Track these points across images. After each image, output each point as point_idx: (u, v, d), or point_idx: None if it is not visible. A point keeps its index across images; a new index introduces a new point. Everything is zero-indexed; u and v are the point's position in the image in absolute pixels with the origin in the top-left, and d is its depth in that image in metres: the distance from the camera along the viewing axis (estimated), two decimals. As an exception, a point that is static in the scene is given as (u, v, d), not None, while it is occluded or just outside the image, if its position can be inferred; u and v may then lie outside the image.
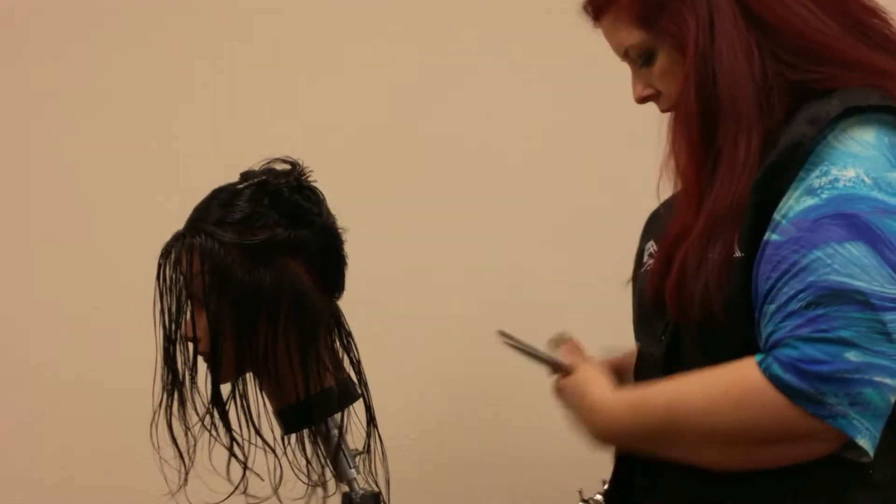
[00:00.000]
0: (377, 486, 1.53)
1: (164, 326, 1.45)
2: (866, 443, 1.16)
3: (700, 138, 1.30)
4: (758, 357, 1.18)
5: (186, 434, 1.47)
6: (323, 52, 2.14)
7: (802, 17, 1.30)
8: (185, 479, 1.47)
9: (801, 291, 1.16)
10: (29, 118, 2.09)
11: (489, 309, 2.09)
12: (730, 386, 1.20)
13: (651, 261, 1.44)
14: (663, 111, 1.40)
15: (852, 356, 1.13)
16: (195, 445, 1.47)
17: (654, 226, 1.52)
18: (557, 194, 2.18)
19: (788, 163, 1.22)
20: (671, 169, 1.40)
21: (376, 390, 1.58)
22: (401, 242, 2.09)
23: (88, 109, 2.09)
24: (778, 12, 1.29)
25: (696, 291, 1.26)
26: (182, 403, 1.47)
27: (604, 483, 1.52)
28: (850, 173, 1.20)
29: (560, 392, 1.42)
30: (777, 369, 1.15)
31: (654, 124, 1.43)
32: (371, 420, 1.56)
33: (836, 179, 1.20)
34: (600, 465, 1.52)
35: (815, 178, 1.21)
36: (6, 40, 2.11)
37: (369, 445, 1.55)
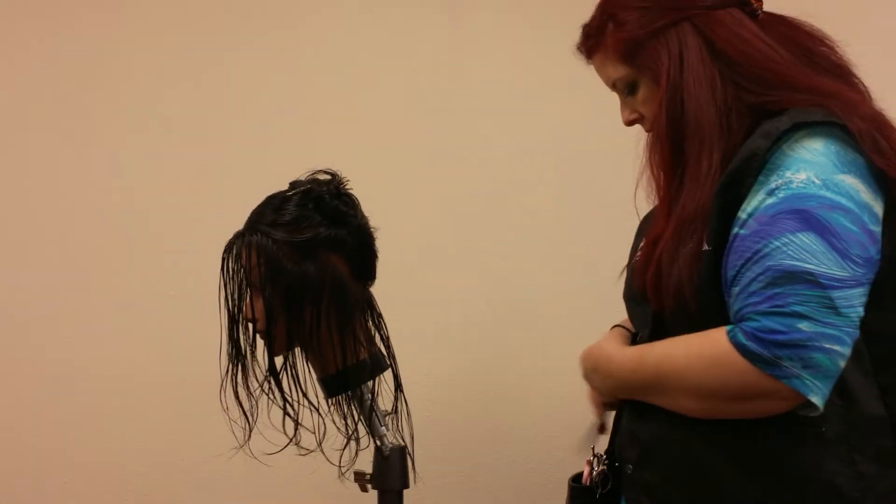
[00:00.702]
0: (403, 440, 1.58)
1: (228, 309, 1.52)
2: (818, 399, 1.22)
3: (670, 154, 1.37)
4: (727, 327, 1.26)
5: (248, 398, 1.53)
6: (358, 85, 2.17)
7: (759, 49, 1.38)
8: (250, 435, 1.53)
9: (760, 274, 1.24)
10: (105, 137, 2.14)
11: (498, 296, 2.13)
12: (703, 350, 1.28)
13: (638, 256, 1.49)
14: (647, 132, 1.47)
15: (804, 327, 1.20)
16: (255, 407, 1.54)
17: (646, 226, 1.56)
18: (568, 195, 2.20)
19: (747, 170, 1.29)
20: (647, 180, 1.45)
21: (402, 362, 1.63)
22: (424, 238, 2.12)
23: (160, 127, 2.15)
24: (738, 47, 1.38)
25: (670, 284, 1.33)
26: (244, 373, 1.53)
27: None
28: (802, 176, 1.27)
29: (585, 357, 1.50)
30: (741, 337, 1.23)
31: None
32: (398, 386, 1.61)
33: (791, 181, 1.27)
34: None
35: (773, 181, 1.28)
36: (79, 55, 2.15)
37: (396, 407, 1.60)
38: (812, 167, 1.29)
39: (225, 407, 1.52)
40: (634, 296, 1.47)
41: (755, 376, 1.23)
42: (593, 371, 1.47)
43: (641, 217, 1.62)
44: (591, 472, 1.54)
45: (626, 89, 1.46)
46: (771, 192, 1.28)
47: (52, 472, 2.08)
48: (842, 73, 1.42)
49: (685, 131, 1.37)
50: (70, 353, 2.09)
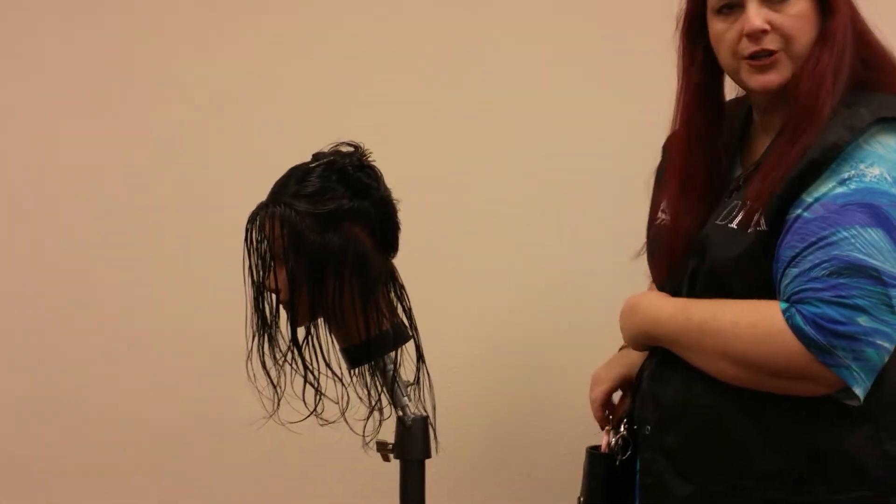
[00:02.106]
0: (425, 410, 1.57)
1: (252, 280, 1.51)
2: (860, 391, 1.24)
3: (832, 89, 1.32)
4: (782, 305, 1.26)
5: (275, 367, 1.52)
6: (384, 63, 2.15)
7: (870, 32, 1.38)
8: (278, 405, 1.52)
9: (825, 261, 1.23)
10: (135, 106, 2.15)
11: (521, 271, 2.11)
12: (756, 322, 1.28)
13: (665, 217, 1.49)
14: (761, 49, 1.35)
15: (863, 321, 1.22)
16: (280, 377, 1.53)
17: (663, 183, 1.55)
18: (593, 180, 2.14)
19: (824, 160, 1.28)
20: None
21: (424, 333, 1.62)
22: (446, 211, 2.10)
23: (189, 98, 2.15)
24: (864, 26, 1.38)
25: (735, 253, 1.32)
26: (271, 343, 1.52)
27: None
28: (876, 171, 1.27)
29: (625, 304, 1.49)
30: (799, 320, 1.23)
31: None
32: (420, 357, 1.59)
33: (864, 175, 1.27)
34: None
35: (845, 171, 1.27)
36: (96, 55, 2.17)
37: (418, 378, 1.59)
38: (885, 163, 1.28)
39: (252, 377, 1.51)
40: (665, 252, 1.47)
41: (806, 360, 1.24)
42: (630, 312, 1.47)
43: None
44: (609, 440, 1.54)
45: None
46: (843, 182, 1.27)
47: (95, 432, 2.16)
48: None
49: (842, 71, 1.33)
50: (111, 320, 2.16)
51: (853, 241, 1.24)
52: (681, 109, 1.49)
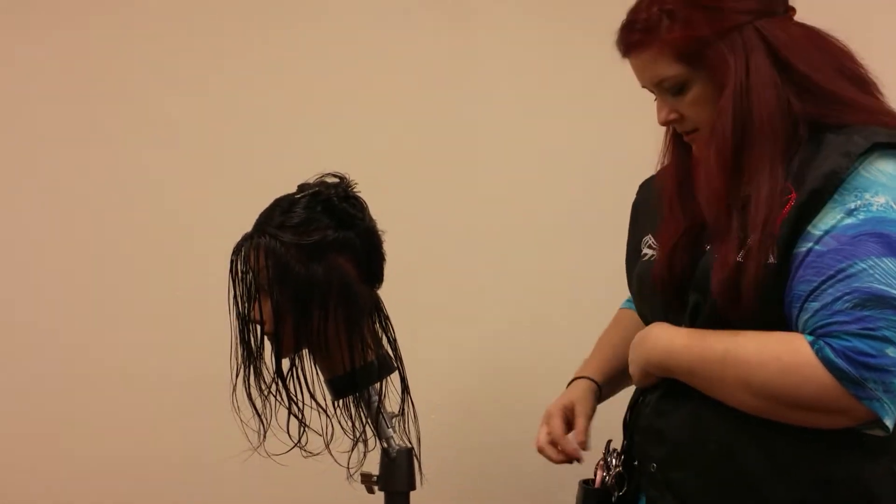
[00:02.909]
0: (410, 442, 1.57)
1: (237, 311, 1.50)
2: (890, 422, 1.22)
3: (732, 158, 1.32)
4: (808, 338, 1.23)
5: (261, 399, 1.51)
6: (367, 90, 2.15)
7: (814, 63, 1.33)
8: (264, 436, 1.51)
9: (847, 294, 1.21)
10: (119, 143, 2.14)
11: (505, 301, 2.11)
12: (782, 354, 1.25)
13: (651, 252, 1.48)
14: (683, 131, 1.41)
15: (891, 352, 1.20)
16: (268, 409, 1.52)
17: (644, 220, 1.55)
18: (577, 199, 2.17)
19: (826, 188, 1.26)
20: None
21: (409, 364, 1.61)
22: (429, 242, 2.10)
23: (171, 132, 2.14)
24: (799, 55, 1.33)
25: (748, 289, 1.27)
26: (256, 375, 1.51)
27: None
28: (881, 199, 1.25)
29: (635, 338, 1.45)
30: (829, 353, 1.20)
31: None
32: (405, 388, 1.59)
33: (870, 204, 1.25)
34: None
35: (851, 202, 1.25)
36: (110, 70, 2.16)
37: (403, 409, 1.58)
38: (889, 191, 1.27)
39: (236, 408, 1.50)
40: (658, 289, 1.43)
41: (836, 392, 1.22)
42: (639, 343, 1.43)
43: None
44: (605, 475, 1.51)
45: (674, 89, 1.38)
46: (850, 213, 1.26)
47: (66, 469, 2.11)
48: (869, 88, 1.39)
49: (752, 137, 1.32)
50: (87, 355, 2.11)
51: (871, 272, 1.22)
52: (668, 146, 1.49)
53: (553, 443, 1.54)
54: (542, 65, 2.19)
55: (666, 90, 1.38)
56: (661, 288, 1.42)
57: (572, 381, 1.64)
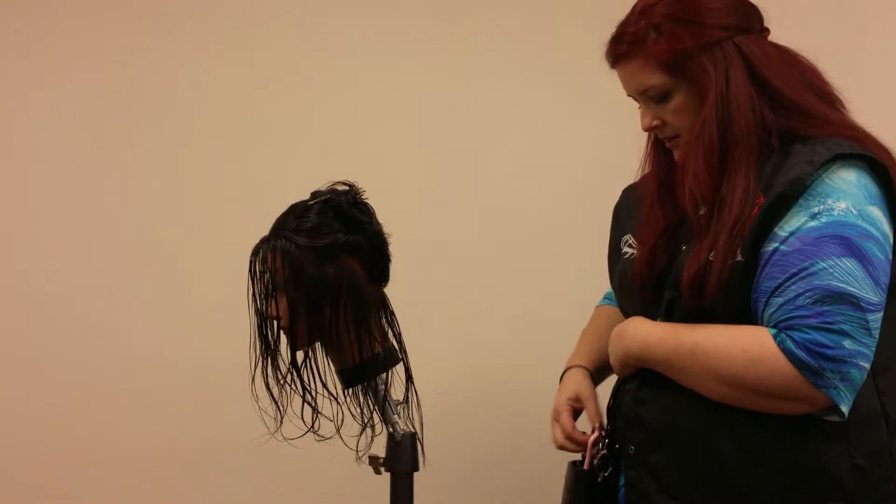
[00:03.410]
0: (413, 427, 1.58)
1: (255, 308, 1.52)
2: (845, 408, 1.27)
3: (717, 162, 1.36)
4: (772, 331, 1.28)
5: (278, 388, 1.52)
6: (373, 107, 2.20)
7: (785, 75, 1.38)
8: (281, 422, 1.52)
9: (808, 290, 1.26)
10: (139, 161, 2.19)
11: (503, 296, 2.13)
12: (749, 347, 1.28)
13: (631, 251, 1.51)
14: (665, 137, 1.45)
15: (847, 344, 1.24)
16: (285, 396, 1.53)
17: (625, 221, 1.58)
18: (567, 204, 2.19)
19: (792, 193, 1.30)
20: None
21: (413, 356, 1.63)
22: (431, 244, 2.14)
23: (200, 146, 2.20)
24: (772, 71, 1.37)
25: (713, 284, 1.32)
26: (274, 365, 1.53)
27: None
28: (842, 205, 1.29)
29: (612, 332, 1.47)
30: (790, 345, 1.25)
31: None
32: (409, 378, 1.60)
33: (832, 209, 1.29)
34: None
35: (814, 206, 1.29)
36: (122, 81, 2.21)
37: (407, 397, 1.59)
38: (849, 197, 1.30)
39: (255, 396, 1.52)
40: (636, 286, 1.46)
41: (798, 381, 1.26)
42: (618, 337, 1.45)
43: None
44: (591, 457, 1.53)
45: (658, 97, 1.41)
46: (814, 216, 1.29)
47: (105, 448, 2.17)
48: (834, 104, 1.43)
49: (732, 143, 1.35)
50: (132, 347, 2.18)
51: (831, 270, 1.26)
52: (650, 152, 1.52)
53: (569, 438, 1.55)
54: (535, 77, 2.21)
55: (650, 98, 1.42)
56: (640, 284, 1.45)
57: (565, 371, 1.65)
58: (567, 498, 1.55)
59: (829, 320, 1.24)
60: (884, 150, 1.37)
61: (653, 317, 1.44)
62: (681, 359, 1.35)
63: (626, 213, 1.59)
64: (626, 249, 1.54)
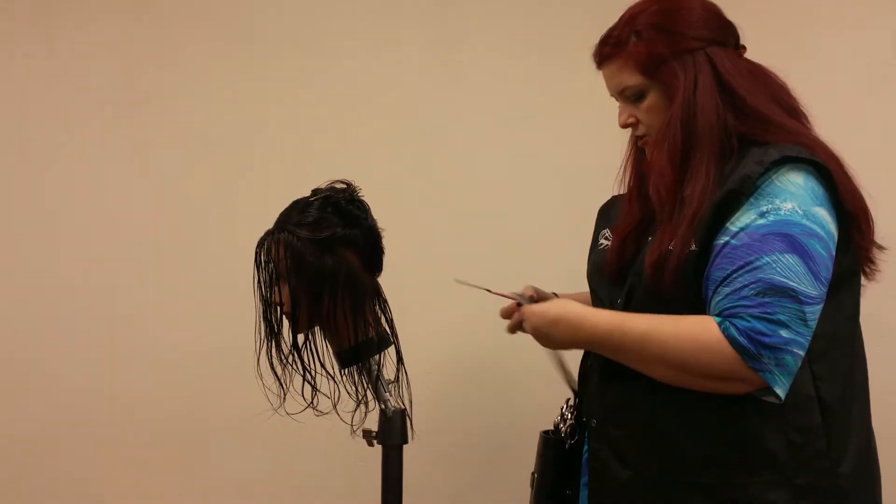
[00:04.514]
0: (403, 404, 1.60)
1: (261, 294, 1.55)
2: (781, 391, 1.29)
3: (679, 159, 1.39)
4: (717, 319, 1.30)
5: (281, 368, 1.55)
6: (369, 111, 2.19)
7: (750, 87, 1.41)
8: (284, 398, 1.54)
9: (753, 283, 1.28)
10: (152, 165, 2.17)
11: (480, 292, 2.12)
12: (696, 334, 1.30)
13: (607, 242, 1.54)
14: (637, 136, 1.48)
15: (784, 333, 1.26)
16: (287, 375, 1.55)
17: (606, 217, 1.62)
18: (554, 204, 2.18)
19: (742, 190, 1.33)
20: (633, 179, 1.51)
21: (404, 339, 1.65)
22: (422, 238, 2.13)
23: (214, 149, 2.18)
24: (738, 82, 1.40)
25: (670, 271, 1.35)
26: (277, 347, 1.55)
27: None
28: (789, 205, 1.32)
29: (530, 318, 1.44)
30: (733, 332, 1.27)
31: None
32: (400, 360, 1.62)
33: (779, 209, 1.31)
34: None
35: (763, 205, 1.32)
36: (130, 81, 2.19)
37: (398, 377, 1.61)
38: (795, 198, 1.33)
39: (259, 375, 1.53)
40: (605, 273, 1.50)
41: (738, 365, 1.28)
42: (553, 324, 1.42)
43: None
44: (561, 426, 1.56)
45: (634, 97, 1.45)
46: (762, 215, 1.32)
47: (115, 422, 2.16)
48: (798, 116, 1.46)
49: (695, 142, 1.39)
50: (147, 332, 2.17)
51: (774, 265, 1.28)
52: (630, 152, 1.55)
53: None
54: (517, 87, 2.20)
55: (627, 98, 1.45)
56: (609, 270, 1.48)
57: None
58: (539, 464, 1.57)
59: (768, 311, 1.27)
60: (831, 157, 1.39)
61: (615, 299, 1.47)
62: (629, 348, 1.37)
63: (608, 213, 1.63)
64: (602, 241, 1.58)
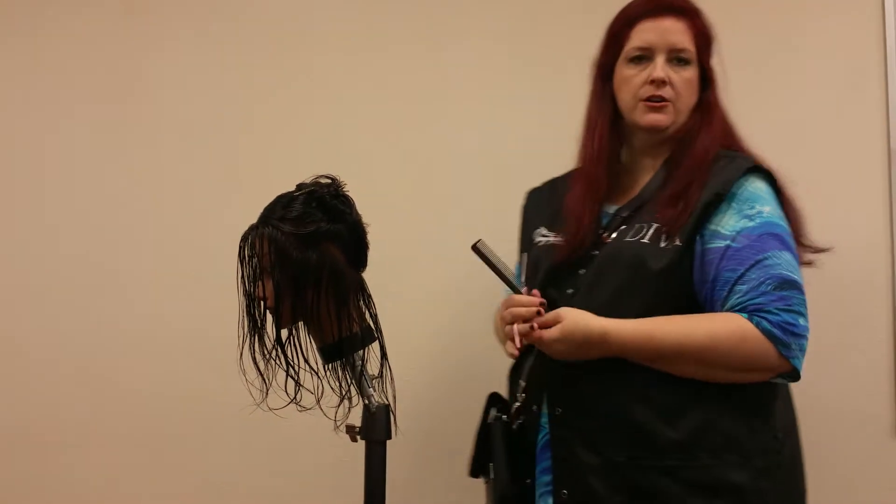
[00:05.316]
0: (387, 399, 1.58)
1: (245, 288, 1.52)
2: (800, 372, 1.41)
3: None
4: (744, 315, 1.38)
5: (265, 363, 1.52)
6: (355, 108, 2.19)
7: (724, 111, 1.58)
8: (266, 393, 1.52)
9: (767, 279, 1.38)
10: (139, 158, 2.19)
11: (464, 286, 2.11)
12: (731, 332, 1.38)
13: (548, 239, 1.58)
14: (661, 95, 1.50)
15: (802, 321, 1.39)
16: (271, 370, 1.52)
17: (536, 217, 1.66)
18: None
19: (723, 194, 1.44)
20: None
21: (388, 335, 1.63)
22: (406, 233, 2.13)
23: (197, 143, 2.19)
24: (720, 105, 1.55)
25: (656, 266, 1.42)
26: (260, 342, 1.53)
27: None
28: (767, 209, 1.44)
29: (560, 338, 1.41)
30: (767, 325, 1.37)
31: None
32: (384, 355, 1.61)
33: (761, 212, 1.43)
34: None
35: (747, 209, 1.43)
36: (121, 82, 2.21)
37: (382, 372, 1.60)
38: (768, 203, 1.46)
39: (243, 370, 1.52)
40: (562, 263, 1.53)
41: (773, 354, 1.38)
42: (582, 338, 1.42)
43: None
44: (514, 410, 1.58)
45: (683, 61, 1.51)
46: (749, 218, 1.43)
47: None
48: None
49: (721, 129, 1.54)
50: (138, 324, 2.20)
51: (778, 262, 1.39)
52: (597, 133, 1.56)
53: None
54: (506, 83, 2.20)
55: (673, 59, 1.50)
56: (561, 260, 1.51)
57: None
58: (497, 453, 1.57)
59: (789, 303, 1.38)
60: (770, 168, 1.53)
61: (562, 289, 1.52)
62: (666, 357, 1.41)
63: (536, 210, 1.67)
64: (539, 239, 1.61)
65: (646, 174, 1.56)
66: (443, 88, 2.21)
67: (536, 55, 2.16)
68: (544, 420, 1.54)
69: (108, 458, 2.16)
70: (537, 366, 1.56)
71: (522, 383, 1.58)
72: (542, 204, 1.66)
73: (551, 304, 1.51)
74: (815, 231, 2.01)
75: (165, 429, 2.16)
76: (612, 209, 1.56)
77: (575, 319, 1.43)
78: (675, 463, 1.41)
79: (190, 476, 2.16)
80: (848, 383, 2.05)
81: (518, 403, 1.56)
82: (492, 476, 1.56)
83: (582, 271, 1.51)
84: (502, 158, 2.15)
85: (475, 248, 1.44)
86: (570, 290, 1.51)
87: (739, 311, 1.38)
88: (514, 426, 1.56)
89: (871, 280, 2.03)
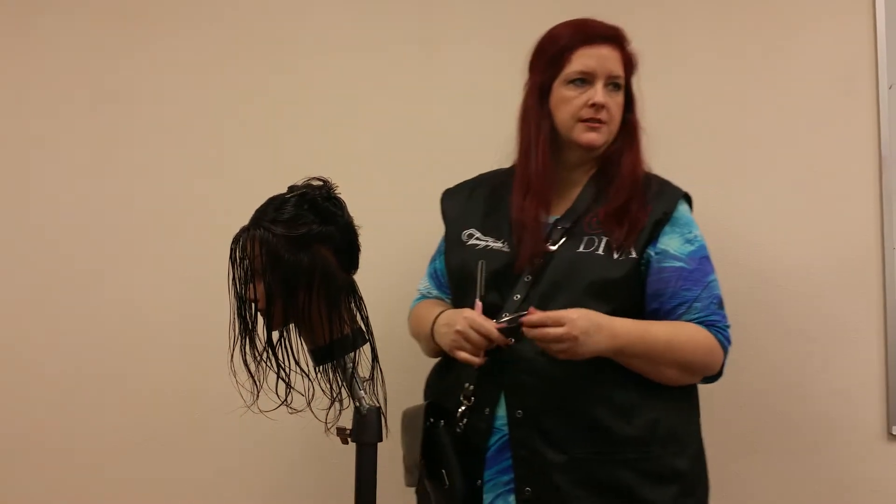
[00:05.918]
0: (378, 402, 1.58)
1: (236, 290, 1.51)
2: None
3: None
4: (710, 330, 1.57)
5: (256, 365, 1.51)
6: (347, 110, 2.18)
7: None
8: (258, 395, 1.51)
9: (713, 300, 1.59)
10: (131, 159, 2.18)
11: None
12: (704, 341, 1.57)
13: (486, 242, 1.63)
14: (598, 118, 1.58)
15: (729, 333, 1.61)
16: (261, 372, 1.52)
17: (462, 218, 1.69)
18: None
19: (664, 218, 1.60)
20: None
21: (379, 338, 1.62)
22: (398, 236, 2.12)
23: (189, 144, 2.19)
24: (640, 126, 1.66)
25: (616, 276, 1.56)
26: (251, 344, 1.52)
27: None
28: (698, 232, 1.62)
29: (576, 321, 1.45)
30: (721, 338, 1.59)
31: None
32: (375, 357, 1.60)
33: (697, 236, 1.62)
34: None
35: (686, 234, 1.60)
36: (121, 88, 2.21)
37: (373, 375, 1.59)
38: (696, 227, 1.63)
39: (233, 372, 1.51)
40: (514, 270, 1.58)
41: (720, 360, 1.60)
42: (595, 331, 1.47)
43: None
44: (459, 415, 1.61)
45: (616, 87, 1.62)
46: (690, 241, 1.61)
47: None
48: None
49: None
50: (133, 321, 2.19)
51: (715, 282, 1.61)
52: (540, 149, 1.61)
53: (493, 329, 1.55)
54: (501, 84, 2.08)
55: (610, 85, 1.60)
56: (517, 270, 1.56)
57: (436, 318, 1.66)
58: (446, 459, 1.58)
59: (726, 320, 1.61)
60: None
61: (505, 295, 1.57)
62: (655, 353, 1.54)
63: (462, 211, 1.70)
64: (473, 241, 1.65)
65: (575, 187, 1.66)
66: (437, 90, 2.20)
67: (520, 55, 2.08)
68: (500, 423, 1.58)
69: (96, 460, 2.15)
70: (495, 371, 1.57)
71: (469, 387, 1.61)
72: (469, 205, 1.71)
73: (495, 309, 1.57)
74: (807, 235, 2.02)
75: (155, 430, 2.15)
76: (549, 219, 1.64)
77: (579, 311, 1.49)
78: (633, 456, 1.54)
79: (180, 477, 2.15)
80: (840, 386, 2.06)
81: (463, 407, 1.60)
82: (446, 482, 1.58)
83: (527, 278, 1.58)
84: (497, 162, 2.07)
85: (479, 266, 1.57)
86: (517, 296, 1.58)
87: (698, 324, 1.57)
88: (459, 430, 1.59)
89: (862, 284, 2.04)
